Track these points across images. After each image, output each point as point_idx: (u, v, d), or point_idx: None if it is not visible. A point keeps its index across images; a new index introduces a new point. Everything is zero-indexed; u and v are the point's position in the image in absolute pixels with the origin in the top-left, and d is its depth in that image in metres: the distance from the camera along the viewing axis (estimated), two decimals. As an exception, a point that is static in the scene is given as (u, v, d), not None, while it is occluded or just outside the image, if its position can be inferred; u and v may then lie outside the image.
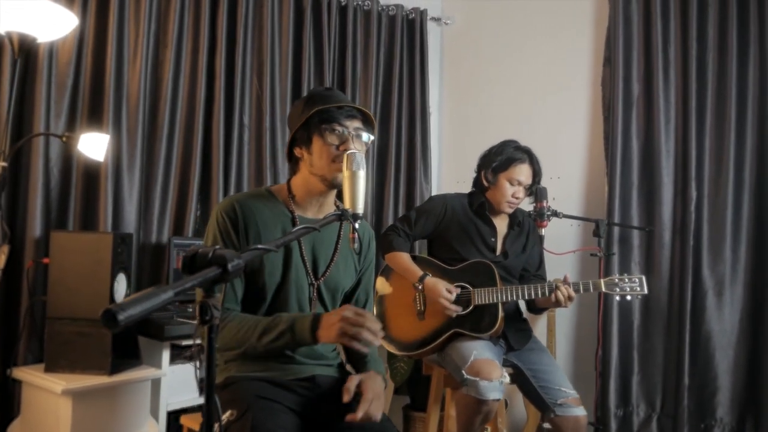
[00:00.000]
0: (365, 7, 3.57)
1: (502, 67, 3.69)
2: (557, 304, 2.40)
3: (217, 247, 1.09)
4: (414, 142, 3.66)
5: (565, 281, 2.40)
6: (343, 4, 3.50)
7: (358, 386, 1.64)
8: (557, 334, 3.26)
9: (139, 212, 2.77)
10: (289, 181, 1.85)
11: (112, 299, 2.27)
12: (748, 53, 2.94)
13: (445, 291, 2.51)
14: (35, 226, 2.45)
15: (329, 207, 1.84)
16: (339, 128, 1.73)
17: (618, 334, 3.14)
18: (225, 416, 1.65)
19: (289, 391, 1.70)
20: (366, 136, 1.79)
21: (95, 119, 2.64)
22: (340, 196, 1.70)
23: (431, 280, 2.55)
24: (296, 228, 1.37)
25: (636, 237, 3.16)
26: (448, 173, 3.83)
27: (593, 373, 3.18)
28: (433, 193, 3.72)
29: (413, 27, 3.70)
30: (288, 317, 1.60)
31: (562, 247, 3.12)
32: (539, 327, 3.41)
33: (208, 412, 1.11)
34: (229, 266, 1.07)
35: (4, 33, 2.00)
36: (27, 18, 1.97)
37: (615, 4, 3.23)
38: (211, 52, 3.01)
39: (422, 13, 3.71)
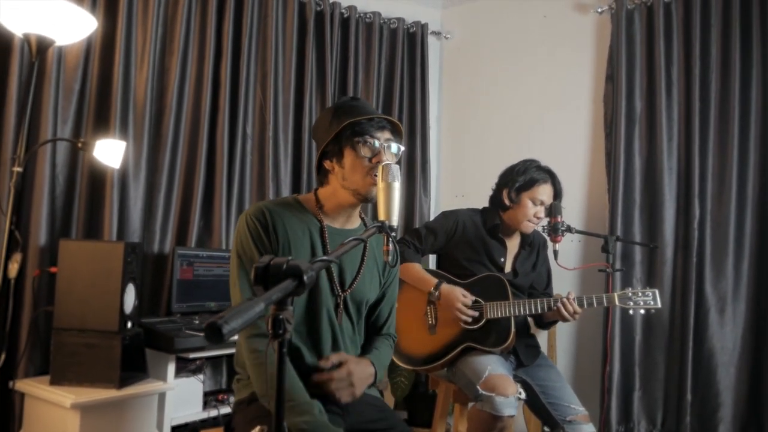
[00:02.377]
0: (367, 20, 3.57)
1: (501, 81, 3.71)
2: (563, 318, 2.43)
3: (290, 258, 1.06)
4: (414, 155, 3.65)
5: (568, 296, 2.43)
6: (346, 16, 3.49)
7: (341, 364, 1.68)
8: (557, 349, 3.27)
9: (143, 221, 2.70)
10: (316, 190, 1.82)
11: (122, 310, 2.20)
12: (751, 72, 3.01)
13: (461, 296, 2.48)
14: (40, 234, 2.37)
15: (356, 218, 1.82)
16: (371, 140, 1.70)
17: (620, 350, 3.15)
18: (255, 431, 1.61)
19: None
20: (395, 147, 1.77)
21: (102, 125, 2.57)
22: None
23: (447, 286, 2.52)
24: (349, 239, 1.34)
25: (638, 253, 3.19)
26: (447, 187, 3.83)
27: (594, 389, 3.20)
28: (432, 207, 3.72)
29: (414, 40, 3.71)
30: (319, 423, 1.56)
31: (566, 264, 3.13)
32: (540, 342, 3.41)
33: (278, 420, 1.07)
34: (305, 278, 1.04)
35: (22, 35, 1.93)
36: (46, 20, 1.91)
37: (618, 22, 3.28)
38: (217, 61, 2.97)
39: (423, 27, 3.72)
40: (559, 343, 3.31)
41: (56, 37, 1.96)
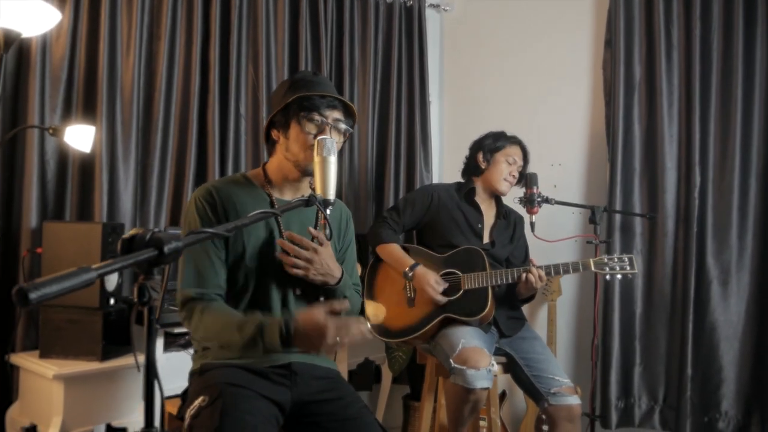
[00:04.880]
0: (362, -5, 3.55)
1: (502, 52, 3.64)
2: (531, 285, 2.45)
3: (156, 230, 1.10)
4: (413, 130, 3.63)
5: (532, 264, 2.48)
6: (340, -8, 3.48)
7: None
8: (558, 323, 3.22)
9: (135, 203, 2.80)
10: (264, 165, 1.86)
11: (102, 288, 2.31)
12: (755, 31, 2.86)
13: (433, 281, 2.52)
14: (31, 217, 2.49)
15: (305, 191, 1.84)
16: (318, 117, 1.73)
17: (620, 324, 3.09)
18: (197, 402, 1.67)
19: (264, 378, 1.70)
20: (344, 127, 1.79)
21: (89, 112, 2.67)
22: None
23: (422, 269, 2.55)
24: (254, 213, 1.37)
25: (638, 224, 3.10)
26: (450, 161, 3.80)
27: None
28: (435, 182, 3.70)
29: (411, 14, 3.66)
30: (255, 321, 1.59)
31: (562, 235, 3.08)
32: (540, 317, 3.37)
33: (148, 394, 1.12)
34: (165, 248, 1.07)
35: (-11, 29, 2.03)
36: (11, 14, 2.00)
37: (616, -16, 3.16)
38: (205, 43, 3.01)
39: (420, 1, 3.68)
40: (560, 318, 3.26)
41: (22, 30, 2.05)
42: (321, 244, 1.72)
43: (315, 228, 1.83)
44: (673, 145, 3.03)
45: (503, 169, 2.66)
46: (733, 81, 2.89)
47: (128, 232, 1.09)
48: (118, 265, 1.00)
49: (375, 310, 2.68)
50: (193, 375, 1.81)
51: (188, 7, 2.97)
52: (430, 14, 3.78)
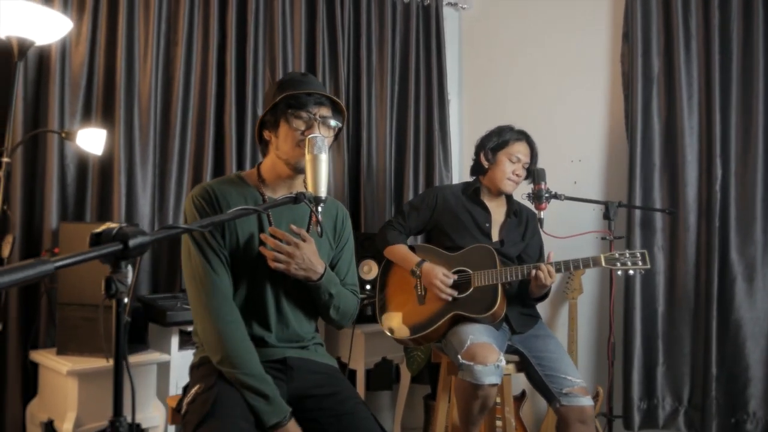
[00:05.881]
0: (379, -3, 3.57)
1: (520, 49, 3.61)
2: (541, 282, 2.39)
3: (125, 225, 1.13)
4: (432, 129, 3.63)
5: (548, 259, 2.40)
6: (357, -7, 3.50)
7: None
8: (579, 322, 3.16)
9: (153, 206, 2.87)
10: (259, 165, 1.89)
11: (116, 286, 2.37)
12: (775, 18, 2.76)
13: (441, 275, 2.50)
14: (52, 219, 2.59)
15: (298, 189, 1.86)
16: (305, 114, 1.76)
17: (641, 322, 3.01)
18: (194, 390, 1.72)
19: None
20: (334, 123, 1.81)
21: (108, 117, 2.76)
22: None
23: (428, 265, 2.55)
24: (234, 209, 1.39)
25: (659, 220, 3.02)
26: (470, 159, 3.76)
27: (617, 363, 3.07)
28: (455, 180, 3.69)
29: (428, 13, 3.66)
30: (276, 395, 1.64)
31: (580, 232, 3.01)
32: (561, 315, 3.32)
33: (117, 384, 1.15)
34: (130, 243, 1.10)
35: (5, 37, 2.12)
36: (23, 23, 2.09)
37: (632, -24, 3.09)
38: (221, 48, 3.07)
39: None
40: (581, 316, 3.20)
41: (35, 38, 2.13)
42: (304, 240, 1.73)
43: (309, 225, 1.86)
44: (694, 137, 2.95)
45: (506, 168, 2.60)
46: (754, 70, 2.79)
47: (100, 227, 1.13)
48: (79, 258, 1.04)
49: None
50: (193, 368, 1.86)
51: (204, 12, 3.04)
52: (447, 13, 3.77)
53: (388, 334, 2.63)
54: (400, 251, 2.65)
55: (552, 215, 2.60)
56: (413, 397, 3.43)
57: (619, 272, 2.35)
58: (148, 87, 2.85)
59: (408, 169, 3.57)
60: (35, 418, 2.43)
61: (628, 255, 2.35)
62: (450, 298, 2.49)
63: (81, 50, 2.72)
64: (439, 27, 3.67)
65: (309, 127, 1.76)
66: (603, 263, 2.36)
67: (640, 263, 2.33)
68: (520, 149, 2.61)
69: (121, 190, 2.76)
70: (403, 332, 2.61)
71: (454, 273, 2.56)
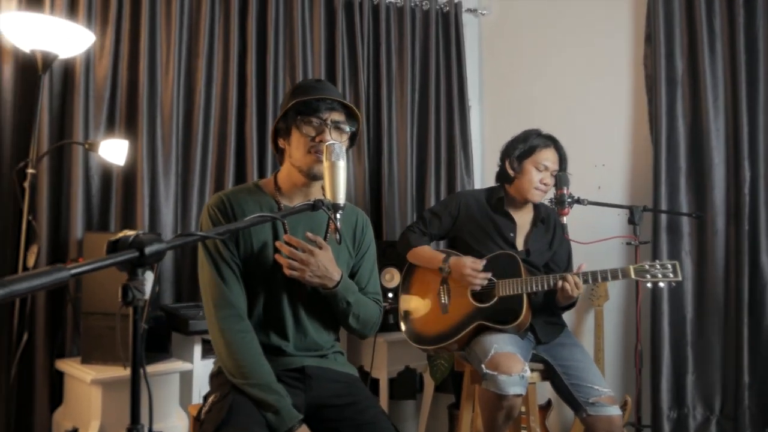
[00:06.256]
0: (398, 5, 3.57)
1: (540, 53, 3.58)
2: (567, 294, 2.31)
3: (142, 232, 1.13)
4: (453, 136, 3.61)
5: (577, 271, 2.32)
6: (376, 2, 3.51)
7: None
8: (605, 329, 3.10)
9: (176, 216, 2.90)
10: (276, 174, 1.89)
11: (139, 296, 2.39)
12: (802, 16, 2.70)
13: (470, 262, 2.43)
14: (77, 229, 2.63)
15: (315, 197, 1.85)
16: (315, 120, 1.75)
17: (669, 330, 2.95)
18: (210, 398, 1.72)
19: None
20: (347, 128, 1.79)
21: (131, 129, 2.80)
22: None
23: (455, 257, 2.49)
24: (250, 216, 1.39)
25: (686, 224, 2.96)
26: (491, 165, 3.69)
27: (645, 372, 3.00)
28: (477, 186, 3.66)
29: (448, 20, 3.65)
30: (284, 405, 1.62)
31: (605, 237, 2.97)
32: (587, 323, 3.26)
33: (134, 393, 1.15)
34: (146, 250, 1.10)
35: (30, 51, 2.17)
36: (47, 36, 2.13)
37: (654, -24, 3.05)
38: (242, 58, 3.10)
39: (457, 6, 3.66)
40: (608, 324, 3.14)
41: (59, 51, 2.18)
42: (320, 248, 1.72)
43: (326, 233, 1.84)
44: (720, 139, 2.89)
45: (533, 178, 2.49)
46: (781, 69, 2.73)
47: (117, 235, 1.13)
48: (95, 265, 1.04)
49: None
50: (212, 377, 1.86)
51: (225, 23, 3.07)
52: (467, 19, 3.76)
53: (410, 342, 2.61)
54: (424, 252, 2.61)
55: (575, 220, 2.55)
56: (437, 407, 3.39)
57: (649, 285, 2.27)
58: (170, 98, 2.89)
59: (429, 177, 3.56)
60: (61, 426, 2.46)
61: (658, 266, 2.26)
62: (484, 283, 2.44)
63: (104, 63, 2.77)
64: (459, 33, 3.66)
65: (320, 132, 1.74)
66: (632, 275, 2.28)
67: (671, 275, 2.24)
68: (548, 156, 2.49)
69: (144, 200, 2.79)
70: (424, 341, 2.58)
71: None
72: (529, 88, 3.61)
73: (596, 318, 3.12)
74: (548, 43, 3.55)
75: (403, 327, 2.64)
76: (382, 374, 3.06)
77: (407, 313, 2.65)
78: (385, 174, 3.47)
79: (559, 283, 2.33)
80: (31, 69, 2.41)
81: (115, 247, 1.11)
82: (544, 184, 2.50)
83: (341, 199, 1.57)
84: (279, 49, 3.19)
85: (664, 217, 2.95)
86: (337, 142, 1.63)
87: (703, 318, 2.93)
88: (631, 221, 2.62)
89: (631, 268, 2.30)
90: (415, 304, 2.66)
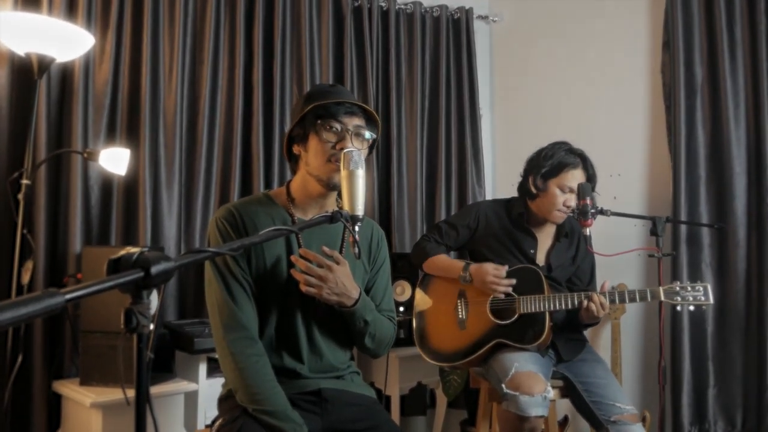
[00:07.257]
0: (408, 11, 3.49)
1: (554, 60, 3.50)
2: (591, 313, 2.23)
3: (147, 249, 1.03)
4: (464, 144, 3.52)
5: (602, 289, 2.23)
6: (385, 8, 3.43)
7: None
8: (623, 343, 3.00)
9: (180, 227, 2.80)
10: (288, 183, 1.79)
11: (141, 312, 2.29)
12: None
13: (492, 269, 2.33)
14: (75, 243, 2.52)
15: (331, 208, 1.74)
16: (336, 125, 1.64)
17: (690, 344, 2.85)
18: (217, 423, 1.62)
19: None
20: (368, 135, 1.69)
21: (133, 137, 2.70)
22: None
23: (475, 265, 2.39)
24: (265, 230, 1.28)
25: (706, 235, 2.87)
26: (503, 175, 3.66)
27: (666, 386, 2.90)
28: (488, 196, 3.57)
29: (459, 27, 3.58)
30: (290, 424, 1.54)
31: (624, 249, 2.86)
32: (604, 337, 3.16)
33: (138, 420, 1.05)
34: (152, 270, 1.00)
35: (24, 54, 2.07)
36: (44, 38, 2.03)
37: (672, -18, 2.97)
38: (248, 66, 3.02)
39: (468, 12, 3.58)
40: (625, 338, 3.04)
41: (56, 55, 2.08)
42: (338, 263, 1.62)
43: (342, 246, 1.74)
44: (741, 148, 2.81)
45: (557, 201, 2.37)
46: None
47: (119, 252, 1.03)
48: (94, 288, 0.93)
49: (420, 299, 2.54)
50: (221, 401, 1.76)
51: (231, 30, 2.99)
52: (478, 26, 3.68)
53: (427, 359, 2.50)
54: (442, 261, 2.50)
55: (594, 232, 2.45)
56: (449, 423, 3.29)
57: (679, 308, 2.18)
58: (174, 105, 2.80)
59: (440, 186, 3.47)
60: (58, 450, 2.35)
61: (689, 288, 2.18)
62: (509, 289, 2.33)
63: (105, 68, 2.67)
64: (470, 40, 3.58)
65: (341, 139, 1.63)
66: (662, 297, 2.19)
67: (702, 298, 2.17)
68: (574, 178, 2.35)
69: (147, 212, 2.69)
70: (440, 358, 2.48)
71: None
72: (542, 96, 3.53)
73: (613, 331, 3.02)
74: (561, 49, 3.47)
75: (417, 343, 2.53)
76: (394, 391, 2.96)
77: (422, 329, 2.55)
78: (395, 184, 3.38)
79: (584, 302, 2.23)
80: (26, 73, 2.31)
81: (116, 266, 1.01)
82: (567, 207, 2.38)
83: (360, 210, 1.47)
84: (286, 57, 3.10)
85: (684, 228, 2.86)
86: (355, 149, 1.53)
87: (724, 331, 2.84)
88: (654, 232, 2.51)
89: (661, 290, 2.21)
90: (431, 319, 2.55)
